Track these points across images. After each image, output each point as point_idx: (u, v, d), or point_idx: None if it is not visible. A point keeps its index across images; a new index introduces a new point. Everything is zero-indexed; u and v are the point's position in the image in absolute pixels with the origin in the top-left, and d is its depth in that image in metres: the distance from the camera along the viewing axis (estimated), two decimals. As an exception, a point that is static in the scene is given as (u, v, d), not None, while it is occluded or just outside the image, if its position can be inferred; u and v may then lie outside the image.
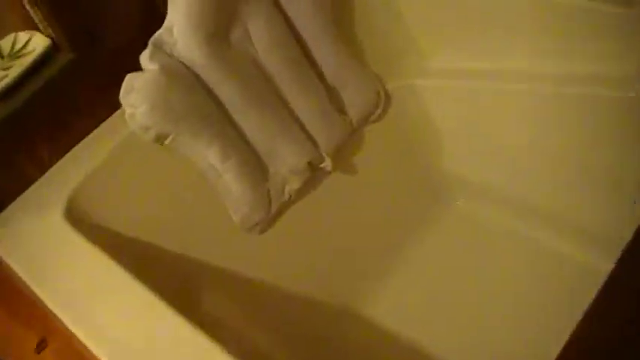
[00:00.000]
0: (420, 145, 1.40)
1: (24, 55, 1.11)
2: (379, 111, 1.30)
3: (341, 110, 1.25)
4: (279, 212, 1.20)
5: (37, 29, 1.12)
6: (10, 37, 1.16)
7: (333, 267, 1.31)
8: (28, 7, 1.07)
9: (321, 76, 1.23)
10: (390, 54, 1.34)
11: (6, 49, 1.15)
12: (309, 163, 1.18)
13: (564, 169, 1.24)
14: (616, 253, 1.18)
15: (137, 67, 1.05)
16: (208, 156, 1.08)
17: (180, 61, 1.07)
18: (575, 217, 1.28)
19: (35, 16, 1.08)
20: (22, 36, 1.15)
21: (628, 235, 0.82)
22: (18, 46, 1.14)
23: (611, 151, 1.14)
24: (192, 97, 1.06)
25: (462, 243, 1.40)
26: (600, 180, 1.18)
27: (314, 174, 1.22)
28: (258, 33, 1.13)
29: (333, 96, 1.24)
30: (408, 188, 1.41)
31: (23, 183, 1.11)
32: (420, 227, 1.41)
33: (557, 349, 0.67)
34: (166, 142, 1.06)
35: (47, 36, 1.10)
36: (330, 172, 1.23)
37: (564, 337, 0.68)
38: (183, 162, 1.10)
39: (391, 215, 1.38)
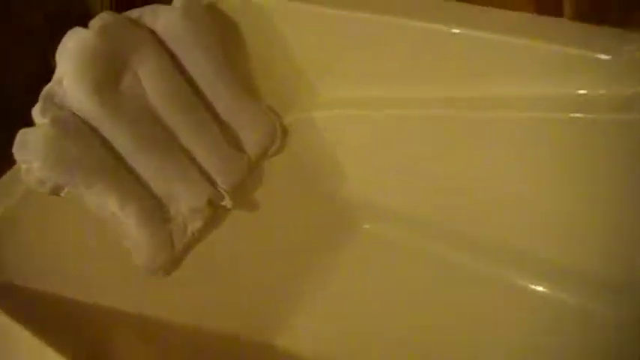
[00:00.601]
0: (322, 175, 1.44)
1: None
2: (276, 145, 1.34)
3: (239, 148, 1.28)
4: (185, 252, 1.22)
5: None
6: None
7: (246, 302, 1.34)
8: None
9: (216, 116, 1.26)
10: (285, 89, 1.39)
11: None
12: (209, 202, 1.20)
13: (462, 189, 1.30)
14: (521, 265, 1.26)
15: (30, 122, 1.07)
16: (107, 204, 1.10)
17: (73, 113, 1.08)
18: (474, 232, 1.34)
19: None
20: None
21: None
22: None
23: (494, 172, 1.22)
24: (86, 147, 1.08)
25: (371, 264, 1.46)
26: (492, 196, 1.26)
27: (217, 211, 1.25)
28: (149, 79, 1.16)
29: (229, 135, 1.27)
30: (314, 217, 1.44)
31: None
32: (330, 253, 1.45)
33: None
34: (62, 193, 1.07)
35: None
36: (232, 209, 1.26)
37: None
38: (84, 210, 1.11)
39: (300, 245, 1.41)
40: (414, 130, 1.30)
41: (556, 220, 1.21)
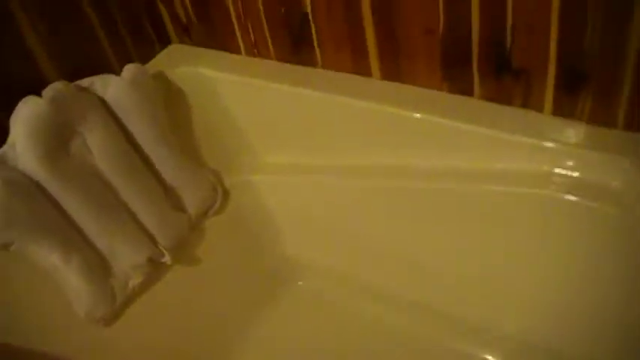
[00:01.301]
0: (260, 235, 1.54)
1: None
2: (217, 206, 1.43)
3: (180, 208, 1.37)
4: (126, 304, 1.29)
5: None
6: None
7: (183, 354, 1.40)
8: None
9: (160, 178, 1.35)
10: (227, 152, 1.49)
11: None
12: (149, 259, 1.28)
13: (396, 255, 1.39)
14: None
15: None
16: (51, 260, 1.17)
17: (23, 174, 1.16)
18: (411, 295, 1.42)
19: None
20: None
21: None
22: None
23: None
24: (35, 207, 1.16)
25: (304, 319, 1.52)
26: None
27: (158, 267, 1.32)
28: (95, 144, 1.24)
29: (172, 196, 1.36)
30: (251, 274, 1.52)
31: None
32: (265, 308, 1.52)
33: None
34: (11, 249, 1.14)
35: None
36: (172, 265, 1.33)
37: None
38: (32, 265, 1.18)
39: (235, 299, 1.49)
40: (348, 196, 1.40)
41: (490, 289, 1.29)
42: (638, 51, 0.97)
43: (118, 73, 1.41)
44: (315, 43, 1.32)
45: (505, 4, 1.02)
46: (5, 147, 1.18)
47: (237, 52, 1.47)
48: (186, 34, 1.56)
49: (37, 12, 1.29)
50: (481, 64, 1.13)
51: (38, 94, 1.21)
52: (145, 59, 1.54)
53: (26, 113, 1.17)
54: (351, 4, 1.20)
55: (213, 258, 1.45)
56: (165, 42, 1.60)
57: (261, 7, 1.34)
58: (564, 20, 0.99)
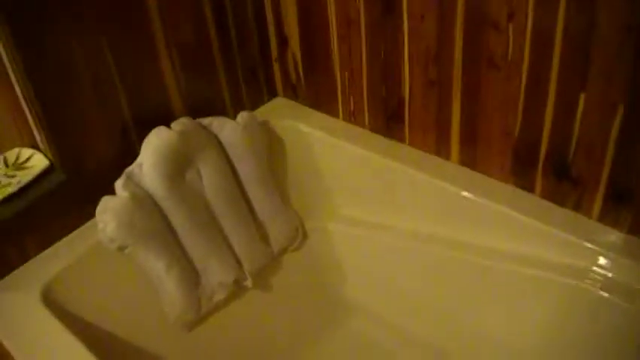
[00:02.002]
0: (327, 275, 1.74)
1: (26, 168, 1.41)
2: (296, 244, 1.66)
3: (265, 240, 1.59)
4: (207, 315, 1.51)
5: (37, 149, 1.44)
6: (15, 151, 1.44)
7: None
8: (35, 131, 1.39)
9: (253, 211, 1.58)
10: (311, 200, 1.71)
11: (11, 160, 1.43)
12: (235, 280, 1.50)
13: (446, 314, 1.57)
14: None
15: (111, 190, 1.38)
16: (156, 266, 1.39)
17: (146, 191, 1.40)
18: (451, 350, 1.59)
19: (40, 139, 1.40)
20: (25, 152, 1.42)
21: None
22: (21, 159, 1.43)
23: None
24: (151, 220, 1.38)
25: (349, 354, 1.69)
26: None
27: (238, 288, 1.54)
28: (207, 175, 1.48)
29: (261, 228, 1.59)
30: (313, 307, 1.73)
31: (6, 268, 1.39)
32: (319, 339, 1.70)
33: None
34: (125, 251, 1.36)
35: (46, 157, 1.42)
36: (250, 288, 1.55)
37: None
38: (137, 268, 1.40)
39: (296, 326, 1.69)
40: (406, 256, 1.59)
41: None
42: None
43: (230, 114, 1.68)
44: (406, 123, 1.53)
45: (573, 124, 1.22)
46: (133, 165, 1.42)
47: (336, 115, 1.71)
48: (292, 91, 1.80)
49: (176, 51, 1.54)
50: (545, 167, 1.33)
51: (165, 124, 1.45)
52: (253, 106, 1.79)
53: (157, 141, 1.41)
54: (444, 99, 1.42)
55: (284, 288, 1.67)
56: (272, 94, 1.85)
57: (365, 84, 1.57)
58: (619, 146, 1.19)
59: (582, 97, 1.19)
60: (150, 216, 1.39)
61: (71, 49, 1.33)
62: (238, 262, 1.52)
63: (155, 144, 1.41)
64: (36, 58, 1.27)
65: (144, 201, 1.38)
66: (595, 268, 1.25)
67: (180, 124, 1.46)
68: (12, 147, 1.43)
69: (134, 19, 1.43)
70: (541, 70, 1.22)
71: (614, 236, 1.27)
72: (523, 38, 1.21)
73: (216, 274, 1.48)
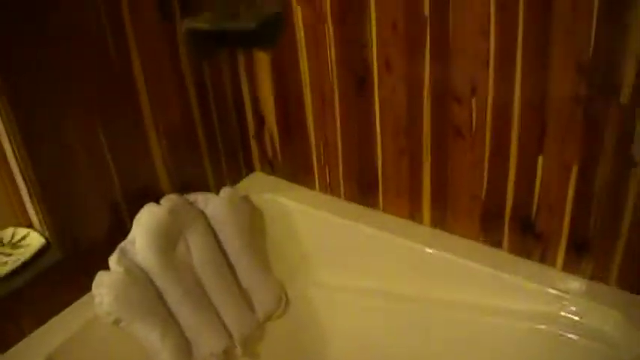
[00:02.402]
0: (311, 339, 1.81)
1: (22, 247, 1.46)
2: (280, 311, 1.72)
3: (251, 308, 1.66)
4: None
5: (32, 227, 1.50)
6: (10, 230, 1.49)
7: None
8: (31, 210, 1.46)
9: (238, 281, 1.65)
10: (293, 268, 1.79)
11: (6, 239, 1.48)
12: (225, 350, 1.55)
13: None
14: None
15: (105, 265, 1.44)
16: (151, 337, 1.44)
17: (139, 266, 1.46)
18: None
19: (37, 218, 1.46)
20: (20, 231, 1.49)
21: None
22: (17, 238, 1.48)
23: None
24: (145, 293, 1.45)
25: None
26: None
27: (228, 357, 1.59)
28: (195, 247, 1.56)
29: (246, 297, 1.66)
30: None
31: (3, 346, 1.42)
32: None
33: None
34: (121, 324, 1.42)
35: (42, 235, 1.48)
36: (239, 356, 1.61)
37: None
38: (132, 340, 1.45)
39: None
40: (387, 318, 1.67)
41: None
42: (629, 230, 1.29)
43: (212, 189, 1.79)
44: (380, 191, 1.66)
45: (534, 185, 1.36)
46: (126, 241, 1.49)
47: (313, 187, 1.82)
48: (270, 165, 1.91)
49: (164, 132, 1.65)
50: (511, 225, 1.46)
51: (154, 200, 1.54)
52: (233, 181, 1.90)
53: (148, 218, 1.50)
54: (415, 166, 1.55)
55: (270, 354, 1.73)
56: (250, 169, 1.96)
57: (340, 155, 1.69)
58: (576, 203, 1.33)
59: (540, 160, 1.33)
60: (144, 289, 1.45)
61: (68, 131, 1.42)
62: (227, 331, 1.58)
63: (146, 221, 1.49)
64: (35, 139, 1.36)
65: (137, 275, 1.45)
66: (563, 313, 1.36)
67: (168, 200, 1.55)
68: (6, 226, 1.50)
69: (126, 103, 1.54)
70: (502, 138, 1.36)
71: (578, 283, 1.40)
72: (485, 110, 1.36)
73: (207, 345, 1.53)
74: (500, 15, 1.26)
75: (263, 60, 1.73)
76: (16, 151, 1.35)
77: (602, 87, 1.20)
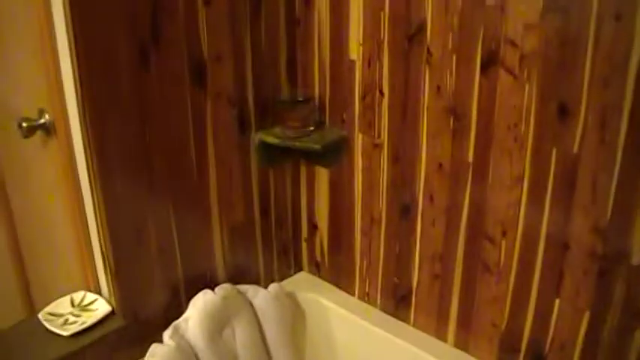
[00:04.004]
0: None
1: (90, 310, 1.66)
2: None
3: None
4: None
5: (99, 294, 1.71)
6: (81, 293, 1.71)
7: None
8: (103, 279, 1.66)
9: (275, 369, 1.82)
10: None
11: (77, 300, 1.69)
12: None
13: None
14: None
15: (159, 338, 1.62)
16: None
17: (188, 342, 1.64)
18: None
19: (107, 287, 1.67)
20: (90, 295, 1.70)
21: None
22: (86, 302, 1.69)
23: None
24: (190, 368, 1.63)
25: None
26: None
27: None
28: (240, 335, 1.74)
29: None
30: None
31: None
32: None
33: None
34: (178, 392, 1.60)
35: (108, 303, 1.68)
36: None
37: None
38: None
39: None
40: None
41: None
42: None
43: (262, 283, 1.97)
44: (412, 308, 1.82)
45: (549, 323, 1.51)
46: (181, 319, 1.68)
47: (352, 294, 2.00)
48: (316, 267, 2.10)
49: (227, 228, 1.86)
50: (525, 356, 1.59)
51: (210, 287, 1.74)
52: (282, 277, 2.09)
53: (203, 301, 1.69)
54: (446, 291, 1.72)
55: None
56: (298, 268, 2.16)
57: (380, 271, 1.88)
58: (586, 344, 1.46)
59: (557, 302, 1.48)
60: (189, 365, 1.64)
61: (145, 219, 1.65)
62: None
63: (201, 304, 1.68)
64: (117, 221, 1.58)
65: (186, 351, 1.62)
66: None
67: (222, 289, 1.75)
68: (79, 289, 1.72)
69: (198, 201, 1.77)
70: (525, 278, 1.52)
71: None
72: (512, 252, 1.53)
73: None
74: (530, 195, 1.46)
75: (323, 175, 1.95)
76: (100, 231, 1.58)
77: (616, 249, 1.36)
